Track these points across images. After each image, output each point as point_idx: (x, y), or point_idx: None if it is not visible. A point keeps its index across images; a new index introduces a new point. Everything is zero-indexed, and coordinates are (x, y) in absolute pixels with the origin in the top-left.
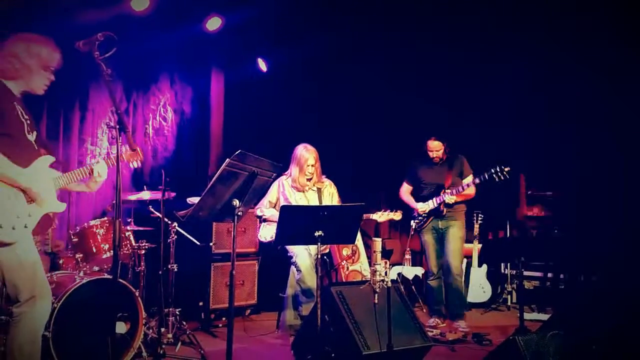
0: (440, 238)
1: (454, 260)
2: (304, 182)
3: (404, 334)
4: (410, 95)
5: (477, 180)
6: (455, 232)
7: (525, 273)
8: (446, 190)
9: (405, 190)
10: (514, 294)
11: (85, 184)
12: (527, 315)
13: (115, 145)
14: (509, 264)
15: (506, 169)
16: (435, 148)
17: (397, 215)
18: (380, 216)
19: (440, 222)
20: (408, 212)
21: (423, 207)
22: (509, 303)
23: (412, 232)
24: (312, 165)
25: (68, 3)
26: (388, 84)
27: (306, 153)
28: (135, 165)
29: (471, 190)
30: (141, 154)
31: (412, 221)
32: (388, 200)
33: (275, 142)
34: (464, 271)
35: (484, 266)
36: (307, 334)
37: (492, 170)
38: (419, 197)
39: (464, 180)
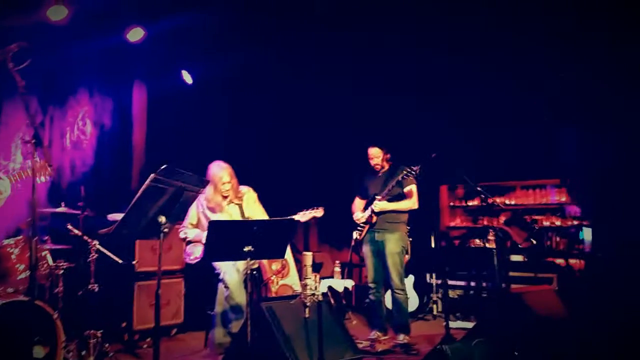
0: (379, 251)
1: (393, 275)
2: (219, 201)
3: (335, 347)
4: (341, 100)
5: (399, 178)
6: (392, 246)
7: (450, 282)
8: (377, 197)
9: (357, 204)
10: (439, 303)
11: None
12: (452, 324)
13: (31, 160)
14: (434, 274)
15: (415, 168)
16: (374, 155)
17: (318, 212)
18: (303, 216)
19: (376, 234)
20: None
21: (357, 216)
22: (434, 312)
23: (353, 243)
24: (227, 182)
25: None
26: (316, 89)
27: (219, 171)
28: (44, 180)
29: (407, 204)
30: (50, 168)
31: (354, 232)
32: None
33: (201, 154)
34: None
35: (411, 276)
36: (237, 351)
37: (406, 171)
38: (367, 209)
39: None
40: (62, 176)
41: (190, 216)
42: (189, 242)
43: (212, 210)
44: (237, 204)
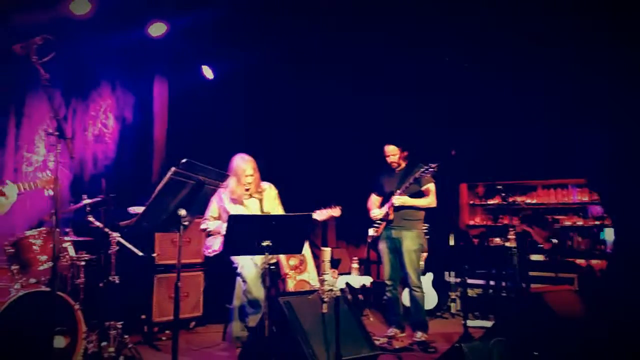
0: (395, 248)
1: (410, 273)
2: (242, 193)
3: (352, 344)
4: (359, 99)
5: (417, 175)
6: (409, 244)
7: (469, 281)
8: (395, 192)
9: (373, 201)
10: (458, 301)
11: None
12: (471, 323)
13: (54, 152)
14: (453, 273)
15: (433, 165)
16: (391, 152)
17: (336, 211)
18: (320, 214)
19: (393, 231)
20: (363, 223)
21: (374, 213)
22: (452, 311)
23: (370, 240)
24: (250, 175)
25: (4, 6)
26: (335, 87)
27: (243, 163)
28: (51, 193)
29: (426, 201)
30: (58, 182)
31: (370, 229)
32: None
33: (220, 150)
34: (423, 282)
35: (429, 274)
36: (255, 345)
37: (424, 168)
38: (383, 206)
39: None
40: (85, 169)
41: (211, 209)
42: (209, 235)
43: (234, 201)
44: (257, 198)
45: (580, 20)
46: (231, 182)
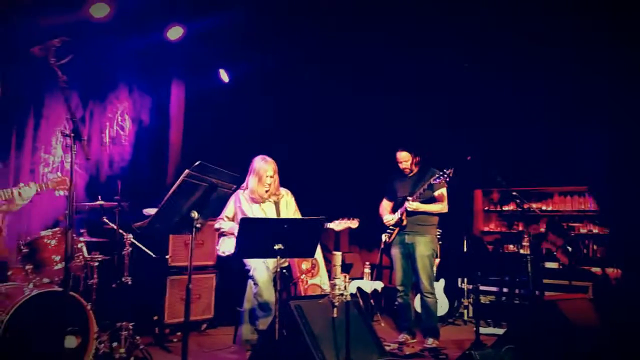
0: (408, 254)
1: (423, 279)
2: (262, 193)
3: (362, 349)
4: (373, 103)
5: (432, 181)
6: (422, 249)
7: (481, 288)
8: (408, 198)
9: (385, 206)
10: (470, 308)
11: (7, 205)
12: (483, 330)
13: (70, 153)
14: (465, 279)
15: (448, 171)
16: (403, 159)
17: (353, 223)
18: (338, 225)
19: (406, 237)
20: (376, 228)
21: (387, 218)
22: (465, 317)
23: (383, 246)
24: (271, 177)
25: (25, 8)
26: (350, 92)
27: (265, 164)
28: (62, 194)
29: (439, 207)
30: (69, 182)
31: (383, 234)
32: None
33: (236, 153)
34: (435, 288)
35: (442, 280)
36: (265, 348)
37: (438, 174)
38: (395, 212)
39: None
40: (101, 170)
41: (227, 210)
42: (222, 235)
43: (254, 200)
44: (274, 201)
45: (580, 20)
46: (252, 181)
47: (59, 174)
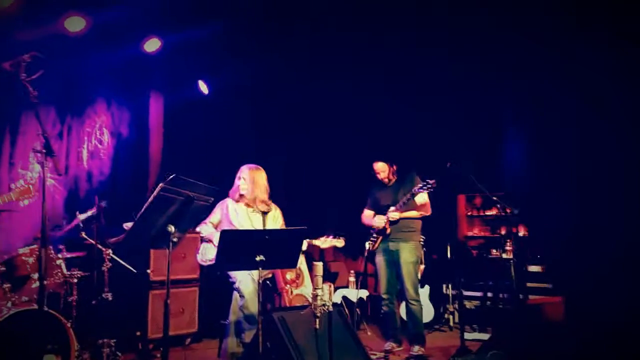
0: (393, 261)
1: (408, 286)
2: (253, 198)
3: (346, 358)
4: (353, 116)
5: (414, 191)
6: (407, 256)
7: (466, 293)
8: (391, 208)
9: (367, 215)
10: (456, 314)
11: None
12: (468, 335)
13: (42, 169)
14: (450, 285)
15: (431, 182)
16: (381, 169)
17: (339, 242)
18: (323, 242)
19: (390, 244)
20: (362, 237)
21: (377, 220)
22: (451, 323)
23: (366, 254)
24: (264, 185)
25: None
26: (329, 104)
27: (258, 172)
28: (27, 203)
29: (422, 210)
30: (32, 190)
31: (366, 242)
32: (334, 225)
33: (217, 165)
34: (420, 295)
35: (427, 287)
36: None
37: (422, 184)
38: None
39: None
40: (80, 185)
41: (213, 215)
42: (202, 241)
43: (248, 205)
44: (263, 212)
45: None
46: (245, 186)
47: (21, 181)
